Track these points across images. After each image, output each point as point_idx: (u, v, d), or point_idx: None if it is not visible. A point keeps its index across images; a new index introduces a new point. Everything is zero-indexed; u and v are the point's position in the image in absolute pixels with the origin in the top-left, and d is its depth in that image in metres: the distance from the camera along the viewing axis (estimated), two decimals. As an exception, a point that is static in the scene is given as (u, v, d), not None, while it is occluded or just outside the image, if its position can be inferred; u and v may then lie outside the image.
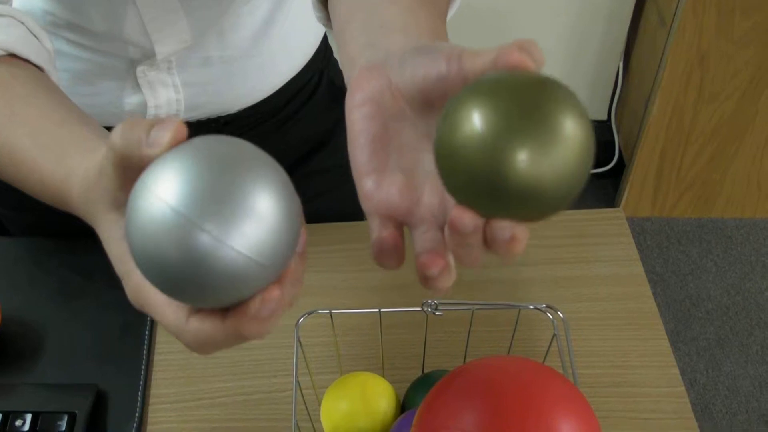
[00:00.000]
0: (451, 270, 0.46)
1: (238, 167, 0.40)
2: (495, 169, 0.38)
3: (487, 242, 0.43)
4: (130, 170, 0.44)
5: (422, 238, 0.47)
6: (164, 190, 0.39)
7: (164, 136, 0.42)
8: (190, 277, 0.40)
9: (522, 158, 0.38)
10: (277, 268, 0.42)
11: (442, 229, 0.47)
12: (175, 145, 0.42)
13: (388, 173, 0.48)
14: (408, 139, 0.48)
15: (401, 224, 0.48)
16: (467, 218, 0.42)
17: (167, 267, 0.40)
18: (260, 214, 0.40)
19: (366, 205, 0.48)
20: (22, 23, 0.67)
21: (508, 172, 0.38)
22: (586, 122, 0.40)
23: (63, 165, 0.54)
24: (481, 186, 0.39)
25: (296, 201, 0.43)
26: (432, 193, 0.48)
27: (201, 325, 0.44)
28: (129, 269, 0.47)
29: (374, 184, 0.48)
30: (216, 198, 0.39)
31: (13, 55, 0.65)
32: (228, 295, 0.42)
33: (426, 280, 0.46)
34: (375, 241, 0.47)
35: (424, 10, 0.55)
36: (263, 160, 0.42)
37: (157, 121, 0.42)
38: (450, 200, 0.47)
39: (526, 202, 0.39)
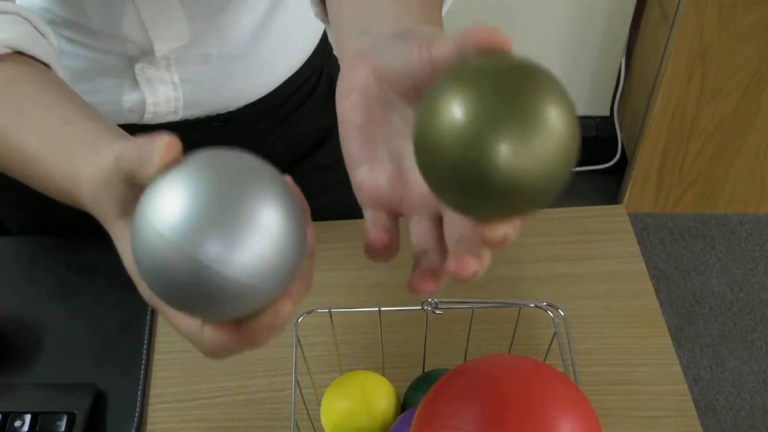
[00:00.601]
0: (442, 281, 0.46)
1: (238, 184, 0.40)
2: (475, 162, 0.37)
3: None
4: (138, 184, 0.44)
5: (417, 229, 0.47)
6: (162, 217, 0.39)
7: (154, 158, 0.42)
8: (196, 299, 0.40)
9: (504, 150, 0.36)
10: (285, 280, 0.42)
11: (435, 220, 0.47)
12: (170, 163, 0.42)
13: (378, 162, 0.48)
14: (395, 127, 0.48)
15: (394, 214, 0.48)
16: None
17: (173, 290, 0.40)
18: (263, 229, 0.39)
19: (358, 195, 0.48)
20: (27, 20, 0.67)
21: (489, 165, 0.37)
22: (569, 109, 0.38)
23: (70, 164, 0.54)
24: (461, 179, 0.38)
25: (299, 208, 0.42)
26: (423, 181, 0.47)
27: (216, 335, 0.46)
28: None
29: (364, 174, 0.48)
30: (216, 218, 0.39)
31: (19, 53, 0.64)
32: (236, 311, 0.42)
33: (416, 293, 0.46)
34: (366, 241, 0.47)
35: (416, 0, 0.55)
36: (263, 172, 0.42)
37: (156, 147, 0.42)
38: None
39: (508, 196, 0.38)
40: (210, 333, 0.46)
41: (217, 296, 0.40)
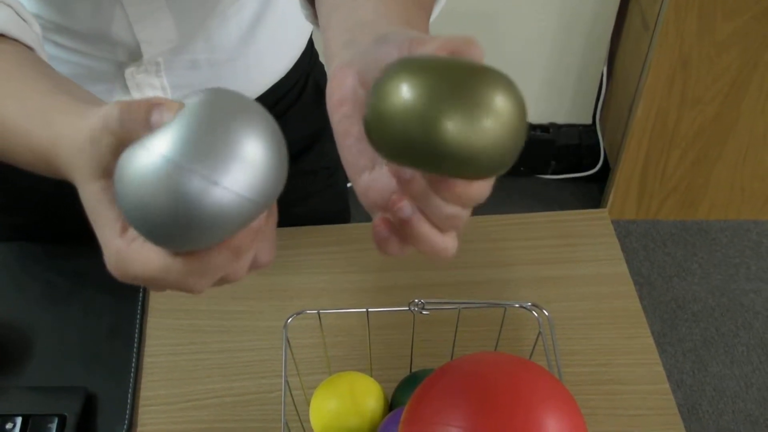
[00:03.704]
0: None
1: (223, 111, 0.42)
2: (425, 138, 0.40)
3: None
4: (125, 145, 0.45)
5: None
6: (153, 140, 0.41)
7: (165, 119, 0.43)
8: (182, 220, 0.41)
9: (450, 126, 0.40)
10: (267, 206, 0.43)
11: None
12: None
13: (377, 168, 0.49)
14: None
15: None
16: (404, 205, 0.44)
17: (159, 213, 0.41)
18: (248, 152, 0.41)
19: (364, 202, 0.50)
20: (10, 6, 0.67)
21: (438, 139, 0.40)
22: (511, 91, 0.41)
23: (50, 130, 0.54)
24: (414, 153, 0.41)
25: (282, 140, 0.44)
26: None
27: (190, 261, 0.45)
28: (111, 235, 0.47)
29: (367, 181, 0.49)
30: (203, 141, 0.40)
31: (1, 36, 0.65)
32: (220, 235, 0.43)
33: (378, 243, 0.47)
34: (374, 235, 0.48)
35: (399, 1, 0.56)
36: (247, 104, 0.43)
37: (155, 104, 0.43)
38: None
39: (458, 166, 0.41)
40: (181, 261, 0.45)
41: (203, 216, 0.41)
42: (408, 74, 0.41)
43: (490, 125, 0.40)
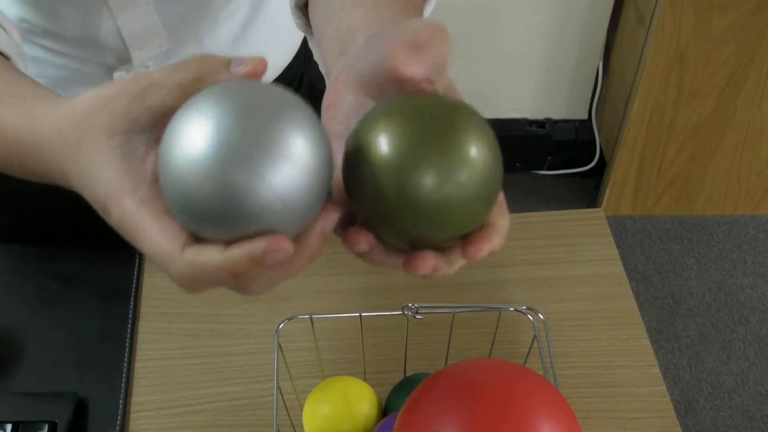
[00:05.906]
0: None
1: (284, 112, 0.42)
2: (402, 194, 0.41)
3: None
4: (183, 95, 0.44)
5: None
6: (212, 115, 0.41)
7: (244, 67, 0.44)
8: (218, 205, 0.40)
9: (428, 184, 0.41)
10: (298, 220, 0.43)
11: None
12: (253, 76, 0.45)
13: None
14: None
15: None
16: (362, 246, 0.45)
17: (199, 190, 0.40)
18: (298, 162, 0.41)
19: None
20: None
21: (415, 197, 0.41)
22: (488, 143, 0.42)
23: (27, 116, 0.52)
24: (389, 211, 0.42)
25: (331, 169, 0.44)
26: None
27: (197, 257, 0.42)
28: (120, 194, 0.45)
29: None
30: (262, 134, 0.40)
31: None
32: (243, 230, 0.42)
33: (360, 256, 0.47)
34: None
35: (389, 6, 0.57)
36: (312, 115, 0.43)
37: (234, 58, 0.45)
38: None
39: (434, 221, 0.42)
40: (192, 254, 0.43)
41: (237, 207, 0.40)
42: (381, 128, 0.42)
43: (464, 179, 0.41)
